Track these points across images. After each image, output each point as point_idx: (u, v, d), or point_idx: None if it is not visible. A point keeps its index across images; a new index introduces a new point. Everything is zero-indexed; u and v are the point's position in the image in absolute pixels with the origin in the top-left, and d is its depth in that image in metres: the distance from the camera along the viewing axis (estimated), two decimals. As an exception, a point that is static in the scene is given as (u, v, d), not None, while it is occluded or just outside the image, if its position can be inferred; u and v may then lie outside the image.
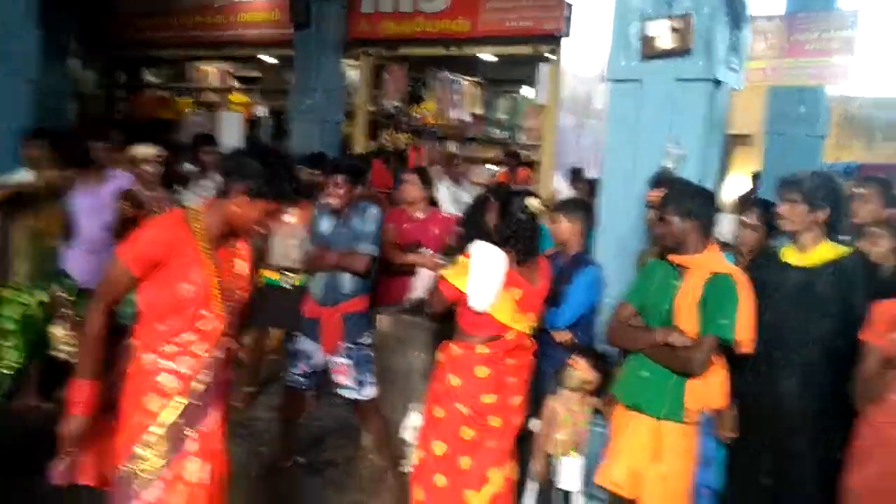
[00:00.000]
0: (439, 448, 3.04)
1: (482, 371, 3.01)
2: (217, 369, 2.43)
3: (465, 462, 3.04)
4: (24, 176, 4.01)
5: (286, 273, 4.64)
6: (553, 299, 3.50)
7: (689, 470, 2.86)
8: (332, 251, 3.83)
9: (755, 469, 3.01)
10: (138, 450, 2.31)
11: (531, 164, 9.51)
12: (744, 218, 3.36)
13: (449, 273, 3.01)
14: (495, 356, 3.03)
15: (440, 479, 3.03)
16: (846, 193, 3.08)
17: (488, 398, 3.03)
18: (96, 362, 2.31)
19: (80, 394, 2.29)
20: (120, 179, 4.98)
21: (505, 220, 3.06)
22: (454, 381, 3.04)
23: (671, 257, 2.84)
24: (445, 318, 3.24)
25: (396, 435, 4.15)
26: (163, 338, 2.33)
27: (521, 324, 3.05)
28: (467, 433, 3.03)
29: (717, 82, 3.32)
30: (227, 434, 2.55)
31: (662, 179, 3.21)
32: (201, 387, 2.38)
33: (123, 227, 4.33)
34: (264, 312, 4.85)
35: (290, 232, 4.67)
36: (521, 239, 3.02)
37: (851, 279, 2.84)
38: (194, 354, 2.35)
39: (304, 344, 3.99)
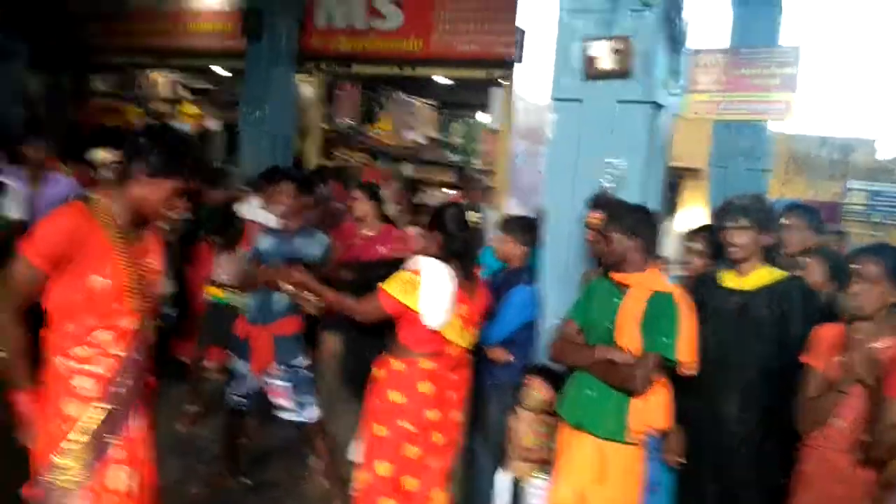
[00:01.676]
0: (383, 468, 2.95)
1: (425, 387, 2.96)
2: (137, 371, 2.30)
3: (410, 483, 2.98)
4: None
5: (233, 290, 4.49)
6: (489, 316, 3.47)
7: (634, 493, 2.81)
8: (263, 267, 3.73)
9: (702, 494, 2.97)
10: (57, 459, 2.17)
11: (486, 189, 9.52)
12: (691, 244, 3.35)
13: (393, 288, 2.90)
14: (438, 371, 2.98)
15: (385, 503, 2.96)
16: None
17: (431, 414, 2.98)
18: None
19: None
20: (61, 183, 4.80)
21: (452, 235, 3.03)
22: (396, 397, 2.96)
23: (613, 275, 2.82)
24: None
25: (344, 456, 4.06)
26: (74, 339, 2.19)
27: (466, 340, 3.03)
28: (411, 451, 2.97)
29: (658, 105, 3.34)
30: (153, 442, 2.42)
31: (601, 201, 3.20)
32: (121, 390, 2.25)
33: None
34: (208, 331, 4.70)
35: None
36: (467, 254, 3.04)
37: (787, 303, 2.85)
38: (111, 355, 2.22)
39: (238, 364, 3.87)
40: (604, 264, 2.93)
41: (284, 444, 4.72)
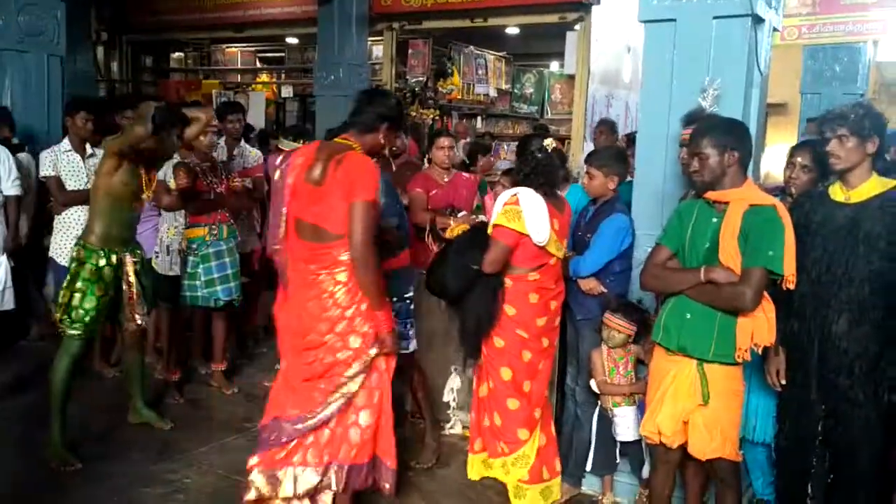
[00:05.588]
0: (506, 373, 3.28)
1: (534, 297, 3.26)
2: None
3: (527, 385, 3.30)
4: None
5: None
6: (581, 247, 3.44)
7: (738, 412, 2.78)
8: None
9: (808, 415, 2.90)
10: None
11: (561, 139, 9.39)
12: (797, 158, 3.22)
13: (502, 221, 3.16)
14: (542, 283, 3.27)
15: (512, 403, 3.29)
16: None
17: (541, 321, 3.29)
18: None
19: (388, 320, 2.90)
20: None
21: (524, 159, 3.34)
22: (510, 310, 3.26)
23: (709, 194, 2.73)
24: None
25: (439, 398, 4.15)
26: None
27: (560, 251, 3.31)
28: (526, 356, 3.29)
29: (758, 19, 3.20)
30: None
31: (695, 117, 3.10)
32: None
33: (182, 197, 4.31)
34: None
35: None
36: (540, 174, 3.25)
37: (900, 213, 2.71)
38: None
39: None
40: (698, 183, 2.79)
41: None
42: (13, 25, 5.61)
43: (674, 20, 3.29)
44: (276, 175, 2.96)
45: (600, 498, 3.54)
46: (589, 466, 3.52)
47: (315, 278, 2.83)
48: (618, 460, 3.50)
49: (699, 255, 2.74)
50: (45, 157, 4.79)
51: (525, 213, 3.12)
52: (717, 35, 3.22)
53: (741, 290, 2.58)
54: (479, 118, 10.61)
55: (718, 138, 2.68)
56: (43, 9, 5.75)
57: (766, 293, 2.63)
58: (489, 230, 3.24)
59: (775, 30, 3.54)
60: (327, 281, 2.82)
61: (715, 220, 2.70)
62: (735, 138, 2.69)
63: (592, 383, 3.44)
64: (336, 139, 3.00)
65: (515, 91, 11.00)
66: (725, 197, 2.68)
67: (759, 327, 2.62)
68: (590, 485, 3.61)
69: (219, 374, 4.84)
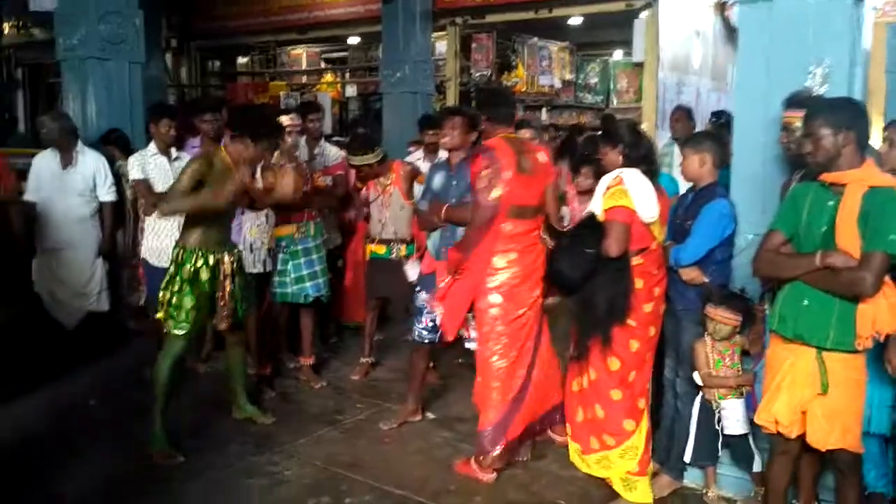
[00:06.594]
0: (614, 364, 3.28)
1: (639, 283, 3.21)
2: None
3: (632, 375, 3.30)
4: None
5: (392, 245, 4.61)
6: (681, 235, 3.37)
7: (860, 402, 2.67)
8: (442, 206, 3.81)
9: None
10: None
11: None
12: (893, 135, 3.09)
13: (611, 203, 3.18)
14: (645, 267, 3.24)
15: (616, 394, 3.30)
16: None
17: (647, 307, 3.26)
18: None
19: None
20: None
21: (632, 143, 3.35)
22: None
23: (824, 176, 2.63)
24: None
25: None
26: None
27: (661, 235, 3.32)
28: (634, 345, 3.27)
29: (857, -3, 3.10)
30: None
31: (800, 99, 3.00)
32: None
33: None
34: (374, 285, 4.83)
35: (392, 202, 4.62)
36: (648, 159, 3.34)
37: None
38: None
39: (425, 299, 3.97)
40: (812, 165, 2.68)
41: (463, 380, 4.80)
42: (95, 34, 5.74)
43: (770, 0, 3.20)
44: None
45: (705, 491, 3.46)
46: (688, 458, 3.44)
47: (531, 243, 3.56)
48: (719, 452, 3.43)
49: (815, 239, 2.64)
50: (134, 161, 4.92)
51: (631, 192, 3.16)
52: (816, 13, 3.11)
53: (861, 275, 2.48)
54: (543, 109, 10.54)
55: (832, 118, 2.57)
56: (123, 17, 5.88)
57: (887, 278, 2.54)
58: (601, 217, 3.23)
59: (875, 8, 3.42)
60: (539, 242, 3.59)
61: (831, 202, 2.60)
62: (850, 117, 2.58)
63: (696, 375, 3.36)
64: (507, 136, 3.56)
65: (580, 81, 10.89)
66: (842, 178, 2.58)
67: (880, 313, 2.52)
68: (692, 478, 3.54)
69: (307, 368, 4.92)
